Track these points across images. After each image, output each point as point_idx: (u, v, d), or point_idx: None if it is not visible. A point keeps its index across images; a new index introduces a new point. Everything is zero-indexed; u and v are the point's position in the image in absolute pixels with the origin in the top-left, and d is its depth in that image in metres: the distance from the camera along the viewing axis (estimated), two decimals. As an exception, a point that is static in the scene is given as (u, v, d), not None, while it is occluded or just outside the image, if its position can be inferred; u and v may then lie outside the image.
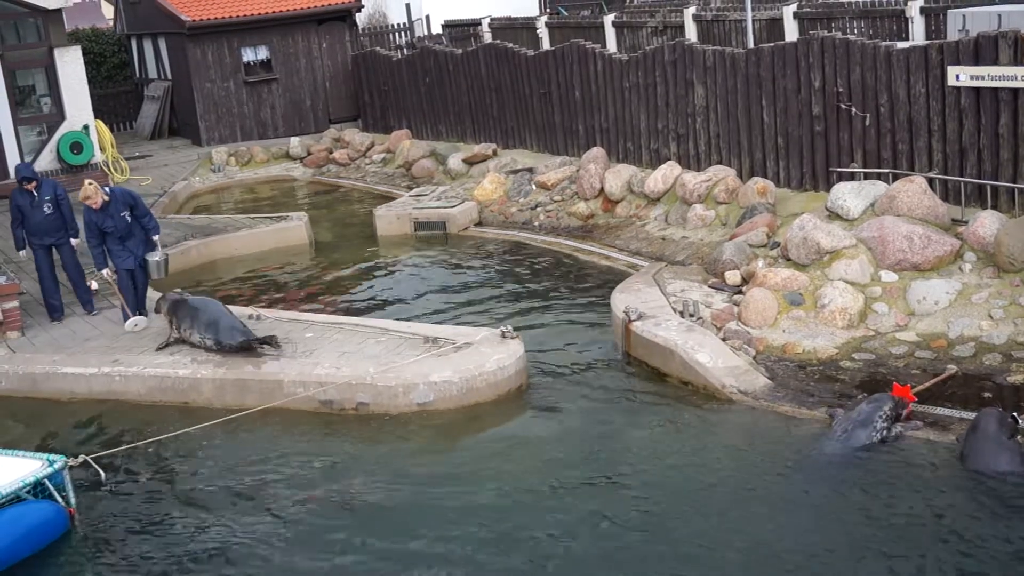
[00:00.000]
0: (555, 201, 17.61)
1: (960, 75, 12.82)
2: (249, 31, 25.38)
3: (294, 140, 24.85)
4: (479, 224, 17.88)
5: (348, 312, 13.79)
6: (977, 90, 12.73)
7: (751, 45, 17.65)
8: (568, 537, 8.08)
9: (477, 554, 8.00)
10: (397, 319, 12.79)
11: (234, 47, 25.43)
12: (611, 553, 7.84)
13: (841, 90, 14.16)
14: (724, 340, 11.14)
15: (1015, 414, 8.63)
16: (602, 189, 17.01)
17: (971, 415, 8.93)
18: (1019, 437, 8.50)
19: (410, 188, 20.40)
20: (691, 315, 11.66)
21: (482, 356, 10.95)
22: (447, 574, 7.80)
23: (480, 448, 9.83)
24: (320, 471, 9.58)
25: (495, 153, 20.48)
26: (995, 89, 12.55)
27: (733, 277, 12.67)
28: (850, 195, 12.83)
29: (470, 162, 20.52)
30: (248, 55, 25.64)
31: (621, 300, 12.23)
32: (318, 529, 8.55)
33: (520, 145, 20.51)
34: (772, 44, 15.51)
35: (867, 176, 13.60)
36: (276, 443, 10.19)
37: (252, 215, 19.03)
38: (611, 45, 23.01)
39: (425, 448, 9.91)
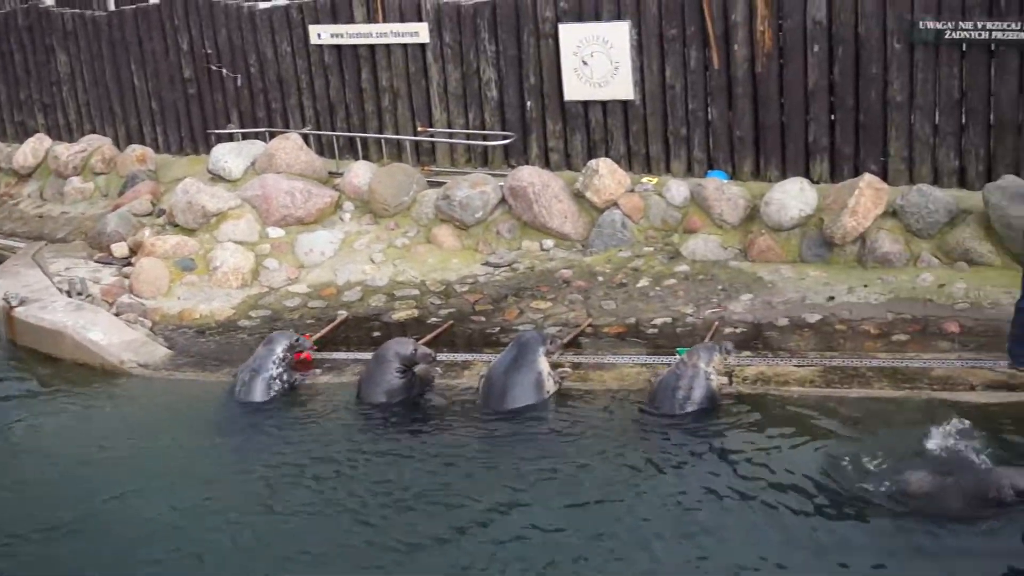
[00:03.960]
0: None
1: (321, 33, 13.36)
2: None
3: None
4: None
5: None
6: (339, 47, 13.36)
7: (112, 8, 16.98)
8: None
9: None
10: None
11: None
12: None
13: (210, 51, 14.15)
14: (118, 315, 10.74)
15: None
16: (-37, 168, 15.53)
17: (367, 355, 9.35)
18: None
19: None
20: (79, 293, 11.07)
21: None
22: None
23: None
24: None
25: None
26: (354, 46, 13.25)
27: (120, 249, 12.23)
28: (230, 156, 12.90)
29: None
30: None
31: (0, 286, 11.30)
32: None
33: None
34: (135, 6, 15.05)
35: (245, 136, 13.76)
36: None
37: None
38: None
39: None
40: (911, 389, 8.12)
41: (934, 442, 7.22)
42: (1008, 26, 10.22)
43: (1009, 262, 9.67)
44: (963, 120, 10.73)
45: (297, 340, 9.40)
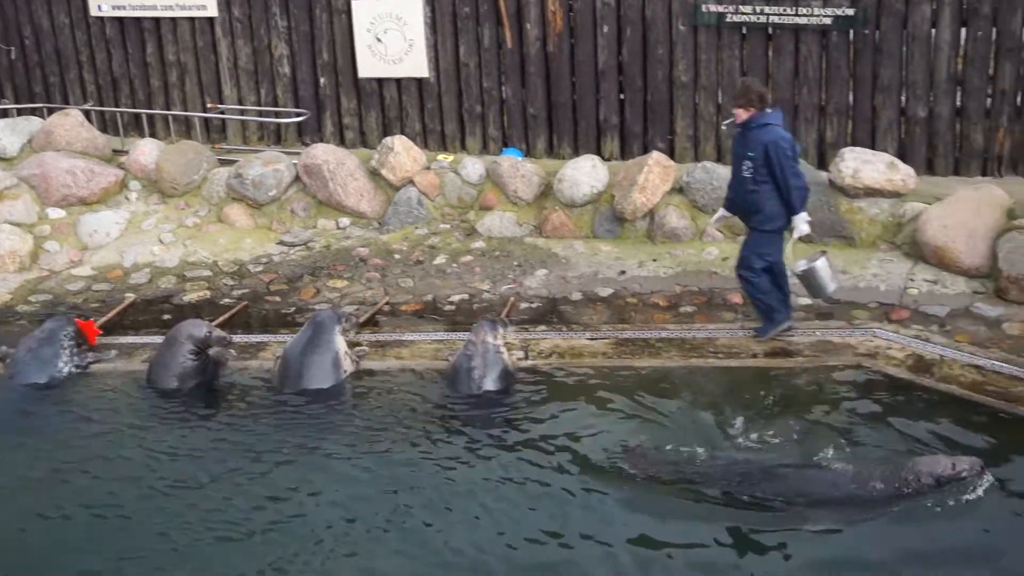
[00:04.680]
0: None
1: (102, 5, 12.80)
2: None
3: None
4: None
5: None
6: (121, 20, 12.82)
7: None
8: None
9: None
10: None
11: None
12: None
13: (-21, 22, 13.34)
14: None
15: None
16: None
17: (158, 339, 9.04)
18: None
19: None
20: None
21: None
22: None
23: None
24: None
25: None
26: (138, 19, 12.74)
27: None
28: (4, 133, 12.20)
29: None
30: None
31: None
32: None
33: None
34: None
35: (21, 112, 13.04)
36: None
37: None
38: None
39: None
40: (698, 358, 8.44)
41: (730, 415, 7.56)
42: (784, 10, 10.72)
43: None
44: (744, 100, 11.17)
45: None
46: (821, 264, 8.43)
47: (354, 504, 6.87)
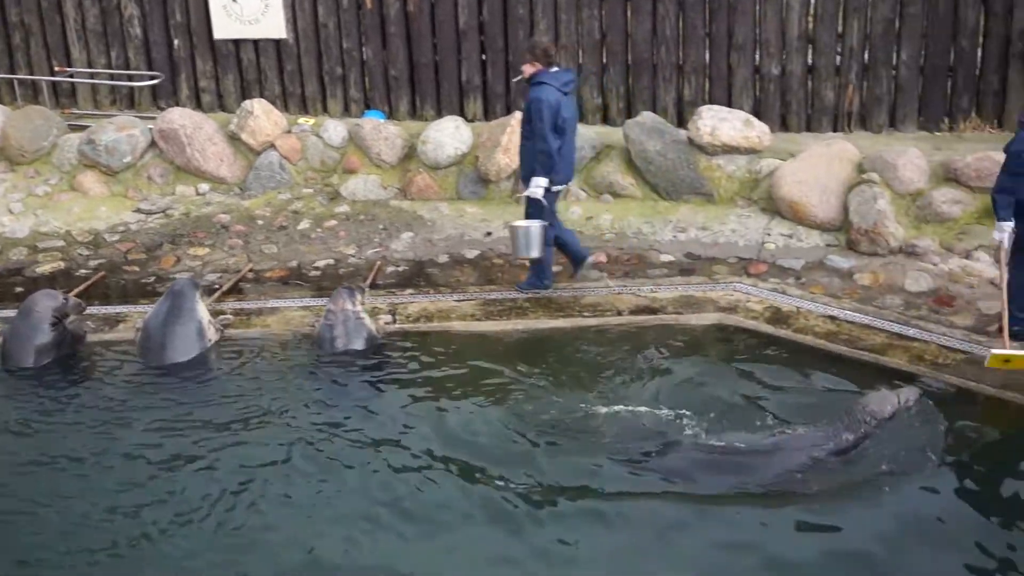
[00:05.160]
0: None
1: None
2: None
3: None
4: None
5: None
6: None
7: None
8: None
9: None
10: None
11: None
12: None
13: None
14: None
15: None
16: None
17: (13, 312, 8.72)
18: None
19: None
20: None
21: None
22: None
23: None
24: None
25: None
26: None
27: None
28: None
29: None
30: None
31: None
32: None
33: None
34: None
35: None
36: None
37: None
38: None
39: None
40: (565, 317, 8.55)
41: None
42: (641, -30, 10.82)
43: (648, 193, 10.33)
44: (604, 60, 11.30)
45: None
46: (534, 228, 8.47)
47: (228, 477, 6.75)
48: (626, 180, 10.41)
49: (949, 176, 9.59)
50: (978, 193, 9.38)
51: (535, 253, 8.58)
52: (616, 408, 7.21)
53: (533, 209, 8.56)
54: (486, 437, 7.06)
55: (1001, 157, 7.81)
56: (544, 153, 8.31)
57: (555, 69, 8.45)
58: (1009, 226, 7.58)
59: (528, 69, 8.43)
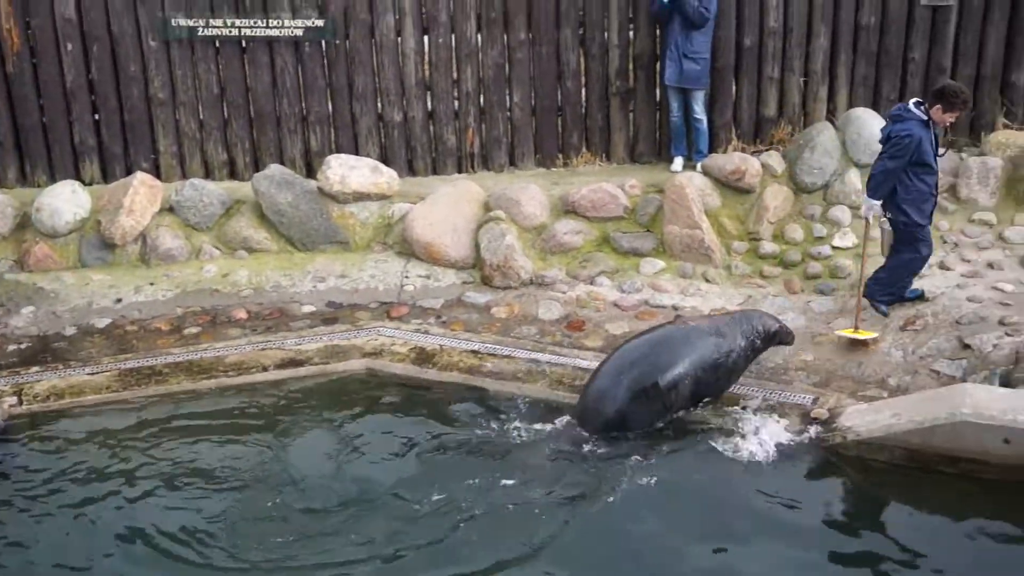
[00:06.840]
0: None
1: None
2: None
3: None
4: None
5: None
6: None
7: None
8: None
9: None
10: None
11: None
12: None
13: None
14: None
15: None
16: None
17: None
18: None
19: None
20: None
21: None
22: None
23: None
24: None
25: None
26: None
27: None
28: None
29: None
30: None
31: None
32: None
33: None
34: None
35: None
36: None
37: None
38: None
39: None
40: (208, 379, 8.28)
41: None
42: (255, 23, 10.76)
43: (284, 245, 10.24)
44: (226, 114, 11.10)
45: None
46: None
47: None
48: (260, 234, 10.26)
49: (568, 209, 10.20)
50: (595, 222, 10.04)
51: None
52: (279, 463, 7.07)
53: None
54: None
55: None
56: None
57: None
58: (877, 204, 8.42)
59: None
